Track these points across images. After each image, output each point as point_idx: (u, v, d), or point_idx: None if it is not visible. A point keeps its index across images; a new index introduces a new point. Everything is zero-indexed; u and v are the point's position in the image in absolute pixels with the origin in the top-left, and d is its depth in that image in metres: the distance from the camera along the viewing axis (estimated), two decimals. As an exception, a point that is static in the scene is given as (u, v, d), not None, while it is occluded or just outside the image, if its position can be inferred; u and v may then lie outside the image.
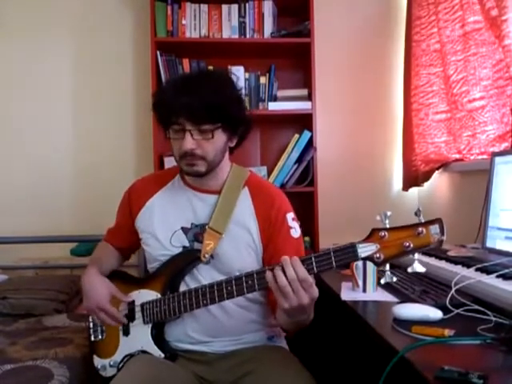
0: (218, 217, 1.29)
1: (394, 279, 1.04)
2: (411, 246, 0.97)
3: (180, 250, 1.31)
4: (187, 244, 1.31)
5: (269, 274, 1.03)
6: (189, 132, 1.21)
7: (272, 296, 1.29)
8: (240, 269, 1.27)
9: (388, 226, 1.01)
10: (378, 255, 0.99)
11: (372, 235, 1.01)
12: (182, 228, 1.32)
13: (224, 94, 1.23)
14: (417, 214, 0.99)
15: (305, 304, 1.02)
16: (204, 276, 1.29)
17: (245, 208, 1.32)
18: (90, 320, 1.42)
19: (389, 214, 1.01)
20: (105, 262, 1.41)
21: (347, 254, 1.01)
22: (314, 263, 1.03)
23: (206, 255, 1.27)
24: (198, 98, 1.18)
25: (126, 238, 1.44)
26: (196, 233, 1.31)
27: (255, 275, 1.11)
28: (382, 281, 1.04)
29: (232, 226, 1.30)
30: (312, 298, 1.03)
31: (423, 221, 0.98)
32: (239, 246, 1.30)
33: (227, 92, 1.25)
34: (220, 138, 1.25)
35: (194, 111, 1.18)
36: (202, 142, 1.22)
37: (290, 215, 1.34)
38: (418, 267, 0.99)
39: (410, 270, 1.00)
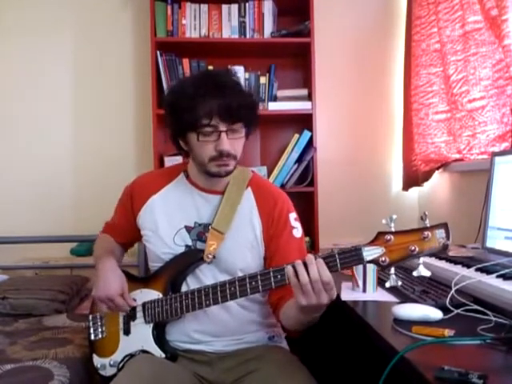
0: (221, 217, 1.29)
1: (399, 283, 1.04)
2: (417, 250, 0.97)
3: (183, 248, 1.31)
4: (190, 243, 1.31)
5: (289, 269, 1.02)
6: (224, 133, 1.21)
7: (273, 298, 1.29)
8: (242, 268, 1.28)
9: (393, 230, 1.01)
10: (383, 259, 1.00)
11: (377, 238, 1.01)
12: (186, 227, 1.32)
13: (248, 93, 1.27)
14: (422, 218, 0.99)
15: (324, 304, 1.02)
16: (206, 275, 1.30)
17: (248, 208, 1.33)
18: (90, 319, 1.42)
19: (394, 217, 1.01)
20: (116, 256, 1.41)
21: (352, 257, 1.02)
22: None
23: (209, 256, 1.27)
24: (232, 98, 1.19)
25: (126, 233, 1.44)
26: (199, 232, 1.31)
27: (259, 277, 1.11)
28: (387, 284, 1.04)
29: (235, 227, 1.30)
30: (331, 299, 1.03)
31: (429, 225, 0.98)
32: (242, 246, 1.30)
33: (249, 91, 1.29)
34: (244, 137, 1.28)
35: (229, 112, 1.19)
36: (233, 142, 1.23)
37: (293, 215, 1.35)
38: (424, 271, 0.99)
39: (415, 273, 1.00)
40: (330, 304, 1.06)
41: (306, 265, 1.01)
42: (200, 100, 1.19)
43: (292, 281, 1.02)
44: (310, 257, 1.02)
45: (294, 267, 1.02)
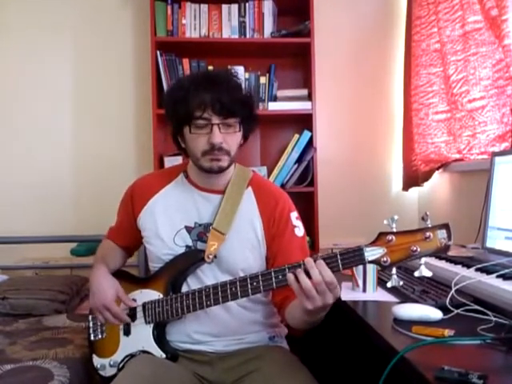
0: (221, 217, 1.29)
1: (401, 283, 1.04)
2: (418, 250, 0.97)
3: (183, 249, 1.31)
4: (190, 243, 1.31)
5: (290, 276, 1.02)
6: (217, 126, 1.21)
7: (277, 298, 1.29)
8: (243, 268, 1.28)
9: (395, 230, 1.01)
10: (384, 259, 0.99)
11: (379, 239, 1.01)
12: (186, 227, 1.32)
13: (246, 90, 1.28)
14: (424, 218, 0.98)
15: (329, 304, 1.02)
16: (207, 275, 1.29)
17: (249, 208, 1.33)
18: (90, 319, 1.42)
19: (396, 218, 1.01)
20: (112, 261, 1.41)
21: (354, 258, 1.02)
22: None
23: (210, 256, 1.27)
24: (225, 92, 1.20)
25: (129, 236, 1.44)
26: (199, 232, 1.31)
27: (260, 277, 1.11)
28: (389, 284, 1.03)
29: (236, 227, 1.30)
30: (336, 297, 1.03)
31: (430, 225, 0.98)
32: (243, 246, 1.30)
33: (246, 88, 1.30)
34: (239, 133, 1.27)
35: (222, 105, 1.19)
36: (226, 136, 1.23)
37: (294, 214, 1.35)
38: (425, 271, 0.99)
39: (417, 274, 1.00)
40: (335, 302, 1.06)
41: (306, 270, 1.01)
42: (194, 93, 1.20)
43: (294, 287, 1.02)
44: (309, 260, 1.01)
45: (294, 274, 1.02)
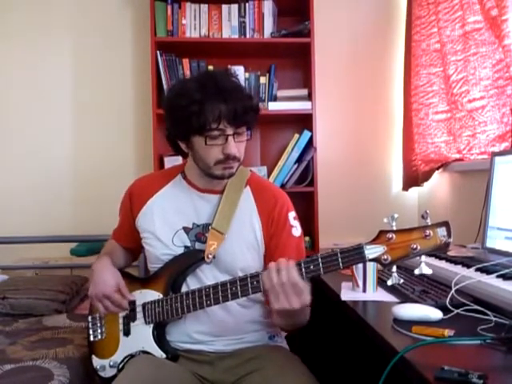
0: (220, 217, 1.29)
1: (401, 281, 1.04)
2: (418, 248, 0.97)
3: (182, 249, 1.31)
4: (189, 244, 1.31)
5: (264, 273, 1.06)
6: (231, 136, 1.21)
7: (267, 298, 1.30)
8: (242, 268, 1.28)
9: (395, 228, 1.01)
10: (385, 257, 1.00)
11: (379, 237, 1.01)
12: (184, 228, 1.32)
13: (251, 95, 1.28)
14: (424, 216, 0.99)
15: (295, 309, 1.04)
16: (206, 275, 1.29)
17: (248, 207, 1.33)
18: (90, 320, 1.41)
19: (396, 216, 1.01)
20: (116, 258, 1.41)
21: (354, 256, 1.02)
22: (320, 264, 1.04)
23: (210, 256, 1.27)
24: (237, 102, 1.20)
25: (131, 237, 1.44)
26: (198, 233, 1.31)
27: (260, 276, 1.11)
28: (389, 282, 1.04)
29: (235, 226, 1.30)
30: (303, 304, 1.05)
31: (430, 223, 0.98)
32: (242, 246, 1.30)
33: (250, 93, 1.30)
34: (246, 140, 1.28)
35: (236, 115, 1.20)
36: (238, 145, 1.24)
37: (292, 214, 1.35)
38: (425, 269, 0.99)
39: (417, 271, 1.00)
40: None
41: (278, 269, 1.04)
42: (208, 104, 1.18)
43: (267, 285, 1.05)
44: (281, 261, 1.04)
45: (268, 272, 1.05)
